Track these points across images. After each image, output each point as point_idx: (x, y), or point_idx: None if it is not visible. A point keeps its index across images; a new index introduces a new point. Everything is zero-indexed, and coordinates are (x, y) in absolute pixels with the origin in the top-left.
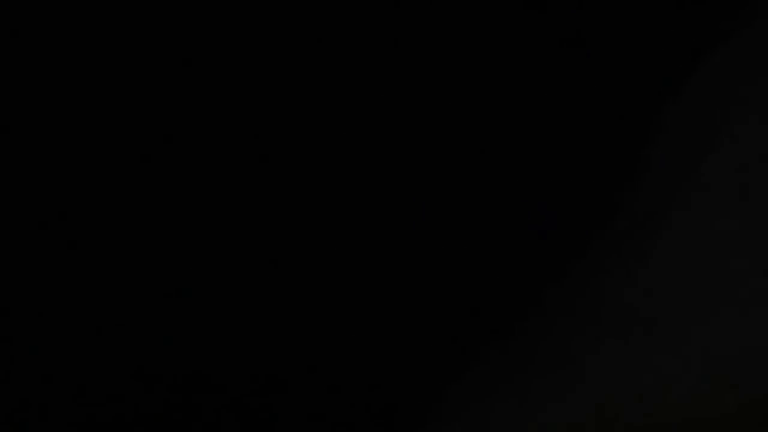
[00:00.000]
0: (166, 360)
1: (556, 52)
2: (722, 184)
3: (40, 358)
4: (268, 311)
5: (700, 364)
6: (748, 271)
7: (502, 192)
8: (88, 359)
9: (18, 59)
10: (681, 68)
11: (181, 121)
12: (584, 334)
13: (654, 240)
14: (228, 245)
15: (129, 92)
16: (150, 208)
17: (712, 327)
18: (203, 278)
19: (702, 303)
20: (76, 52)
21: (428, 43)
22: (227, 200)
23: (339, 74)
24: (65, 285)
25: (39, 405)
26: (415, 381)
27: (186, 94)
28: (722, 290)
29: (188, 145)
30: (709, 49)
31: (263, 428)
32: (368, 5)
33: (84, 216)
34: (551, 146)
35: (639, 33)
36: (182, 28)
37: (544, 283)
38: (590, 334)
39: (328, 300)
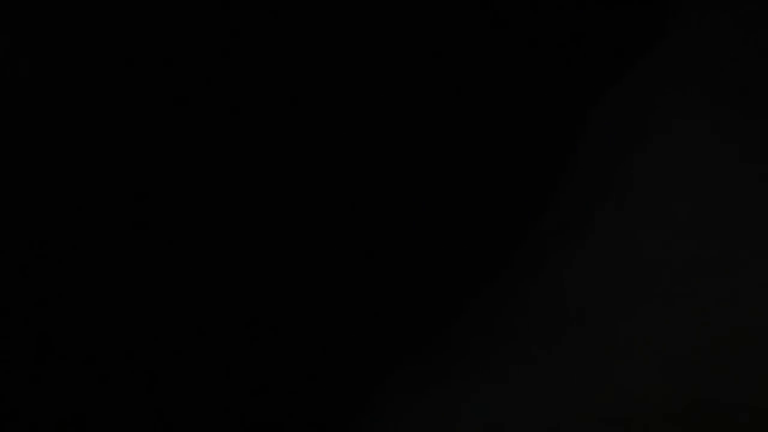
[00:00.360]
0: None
1: (481, 57)
2: (646, 185)
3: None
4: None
5: (628, 361)
6: (673, 266)
7: (430, 197)
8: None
9: (18, 59)
10: (605, 75)
11: (167, 121)
12: (513, 338)
13: (581, 240)
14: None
15: (123, 93)
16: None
17: (638, 323)
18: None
19: (627, 299)
20: (76, 53)
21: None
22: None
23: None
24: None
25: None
26: (348, 378)
27: (168, 97)
28: (648, 287)
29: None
30: (632, 57)
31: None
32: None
33: (69, 214)
34: (476, 152)
35: (565, 40)
36: (175, 30)
37: (472, 286)
38: (519, 337)
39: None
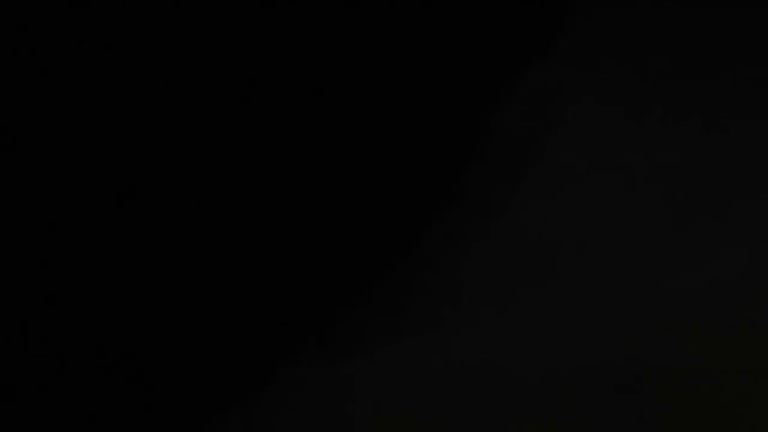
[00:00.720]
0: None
1: (382, 58)
2: (546, 175)
3: None
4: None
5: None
6: (575, 245)
7: (333, 186)
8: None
9: (18, 59)
10: (516, 63)
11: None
12: (411, 320)
13: (483, 227)
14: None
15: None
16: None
17: (533, 301)
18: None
19: (522, 278)
20: (75, 53)
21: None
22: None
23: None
24: None
25: None
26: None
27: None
28: (544, 266)
29: None
30: (541, 46)
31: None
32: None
33: None
34: (386, 139)
35: (465, 45)
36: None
37: (376, 274)
38: (418, 320)
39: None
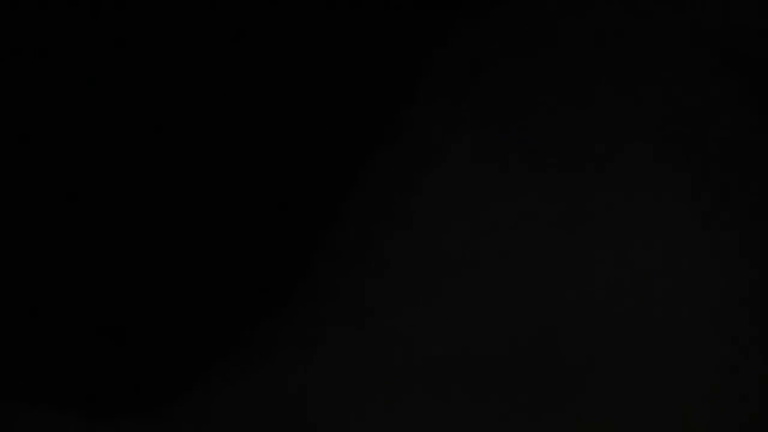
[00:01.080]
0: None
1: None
2: (439, 193)
3: None
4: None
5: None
6: (458, 264)
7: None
8: None
9: (18, 59)
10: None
11: None
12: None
13: (379, 243)
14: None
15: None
16: None
17: (423, 318)
18: None
19: (415, 297)
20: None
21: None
22: None
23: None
24: None
25: None
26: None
27: None
28: (432, 286)
29: None
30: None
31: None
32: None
33: None
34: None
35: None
36: None
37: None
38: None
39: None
